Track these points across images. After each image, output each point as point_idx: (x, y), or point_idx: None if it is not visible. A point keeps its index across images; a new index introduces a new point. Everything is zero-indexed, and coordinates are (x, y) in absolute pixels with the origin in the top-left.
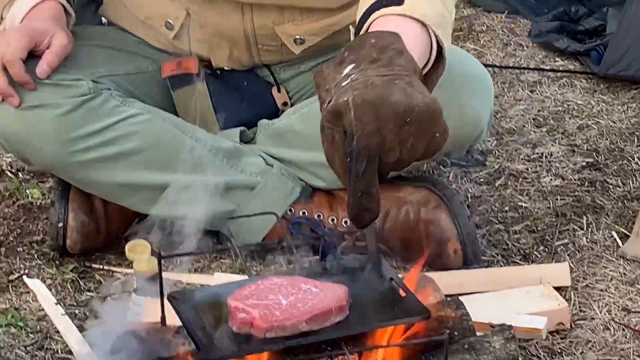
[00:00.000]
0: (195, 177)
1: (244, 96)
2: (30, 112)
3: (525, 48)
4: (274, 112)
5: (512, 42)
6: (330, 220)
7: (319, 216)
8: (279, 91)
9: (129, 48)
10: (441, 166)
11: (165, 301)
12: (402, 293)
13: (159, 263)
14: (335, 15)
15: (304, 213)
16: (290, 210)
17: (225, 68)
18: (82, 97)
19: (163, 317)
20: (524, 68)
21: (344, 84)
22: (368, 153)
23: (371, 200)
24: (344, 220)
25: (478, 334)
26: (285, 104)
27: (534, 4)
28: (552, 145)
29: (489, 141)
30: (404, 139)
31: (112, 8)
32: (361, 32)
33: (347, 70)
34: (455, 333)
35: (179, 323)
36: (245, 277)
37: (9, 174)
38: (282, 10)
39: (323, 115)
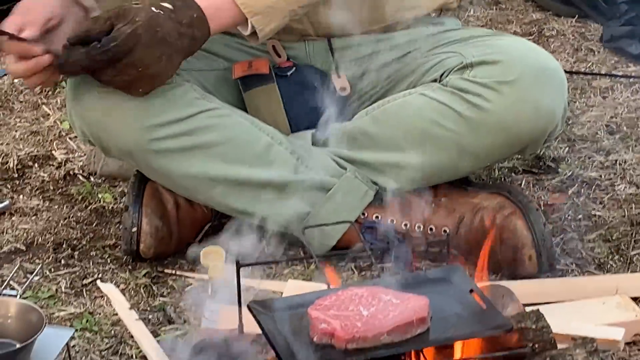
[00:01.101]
0: (271, 174)
1: (314, 97)
2: (113, 98)
3: (596, 53)
4: (346, 116)
5: (582, 47)
6: (403, 226)
7: (392, 221)
8: (338, 76)
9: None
10: (513, 173)
11: (243, 309)
12: (483, 304)
13: (237, 271)
14: None
15: (377, 217)
16: (364, 214)
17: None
18: (165, 84)
19: (241, 325)
20: (596, 74)
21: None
22: None
23: None
24: (417, 225)
25: (559, 346)
26: (343, 89)
27: (606, 8)
28: (625, 152)
29: (561, 148)
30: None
31: None
32: None
33: None
34: (536, 346)
35: (256, 331)
36: (321, 284)
37: (81, 177)
38: None
39: None
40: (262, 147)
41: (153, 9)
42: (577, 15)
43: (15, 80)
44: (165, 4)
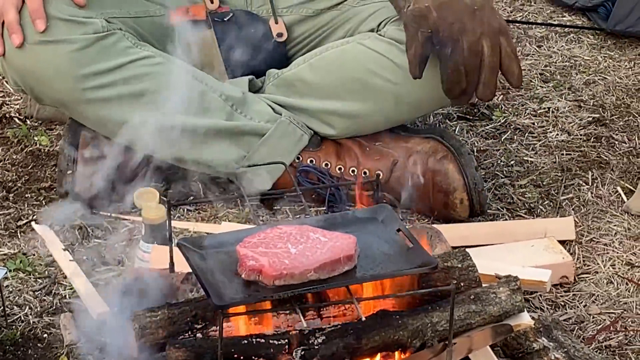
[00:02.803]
0: (205, 121)
1: (251, 44)
2: (45, 47)
3: (533, 3)
4: (283, 62)
5: None
6: (337, 169)
7: (326, 165)
8: (276, 22)
9: None
10: (447, 120)
11: (174, 249)
12: (410, 243)
13: (169, 211)
14: None
15: (311, 161)
16: (298, 158)
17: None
18: (96, 34)
19: (172, 264)
20: (532, 23)
21: None
22: (452, 38)
23: (460, 76)
24: (351, 169)
25: (484, 285)
26: (280, 34)
27: None
28: (558, 100)
29: (496, 95)
30: (478, 21)
31: None
32: None
33: None
34: (462, 284)
35: (187, 270)
36: (254, 226)
37: (17, 120)
38: None
39: (407, 17)
40: (196, 94)
41: None
42: None
43: None
44: None
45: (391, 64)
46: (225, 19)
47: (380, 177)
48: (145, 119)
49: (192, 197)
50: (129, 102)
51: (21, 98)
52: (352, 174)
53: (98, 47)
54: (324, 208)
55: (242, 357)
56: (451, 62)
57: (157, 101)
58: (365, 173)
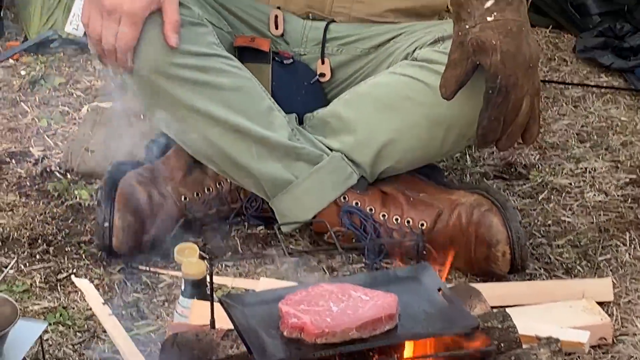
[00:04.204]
0: (269, 134)
1: (300, 90)
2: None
3: (569, 63)
4: (323, 103)
5: (556, 57)
6: (381, 216)
7: (370, 210)
8: (322, 62)
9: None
10: (485, 179)
11: (215, 304)
12: (451, 303)
13: (210, 267)
14: None
15: (356, 203)
16: (345, 197)
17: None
18: (191, 19)
19: (212, 320)
20: (568, 83)
21: (488, 19)
22: (507, 90)
23: (499, 127)
24: (394, 217)
25: (524, 346)
26: (323, 74)
27: (579, 19)
28: (595, 160)
29: (533, 155)
30: (529, 78)
31: None
32: None
33: (489, 4)
34: (502, 345)
35: (227, 327)
36: (293, 283)
37: (58, 174)
38: None
39: (466, 39)
40: (265, 107)
41: None
42: (550, 26)
43: None
44: None
45: (422, 85)
46: (285, 62)
47: (424, 228)
48: (213, 111)
49: (230, 252)
50: (205, 90)
51: (62, 152)
52: (395, 223)
53: (190, 31)
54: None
55: None
56: (497, 110)
57: (229, 99)
58: (408, 222)
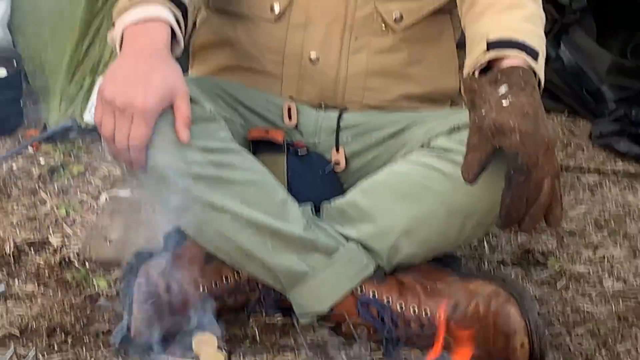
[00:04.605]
0: (284, 226)
1: (316, 179)
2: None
3: (585, 150)
4: (339, 192)
5: (572, 143)
6: (398, 306)
7: (387, 300)
8: (337, 151)
9: (226, 99)
10: (502, 265)
11: None
12: None
13: (229, 358)
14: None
15: (373, 294)
16: (361, 288)
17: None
18: (203, 115)
19: None
20: (585, 170)
21: (504, 103)
22: (528, 169)
23: (522, 206)
24: (412, 307)
25: None
26: (337, 163)
27: (594, 105)
28: (613, 248)
29: (550, 242)
30: (548, 159)
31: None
32: (490, 54)
33: (503, 90)
34: None
35: None
36: None
37: (76, 263)
38: None
39: (484, 123)
40: (279, 200)
41: None
42: (566, 112)
43: (14, 167)
44: None
45: (438, 174)
46: (299, 153)
47: (442, 318)
48: (228, 206)
49: (248, 342)
50: (219, 186)
51: (81, 241)
52: (412, 313)
53: (203, 127)
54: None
55: None
56: (519, 189)
57: (244, 193)
58: (426, 313)
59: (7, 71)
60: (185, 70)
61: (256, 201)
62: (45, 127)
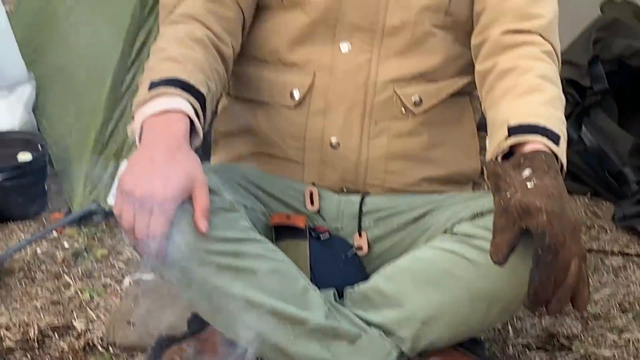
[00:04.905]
0: (307, 315)
1: (339, 264)
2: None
3: (608, 232)
4: (362, 277)
5: (595, 225)
6: None
7: None
8: (360, 235)
9: (247, 187)
10: (527, 349)
11: None
12: None
13: None
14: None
15: None
16: None
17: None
18: (222, 205)
19: None
20: (609, 252)
21: (528, 185)
22: (556, 248)
23: (550, 286)
24: None
25: None
26: (360, 247)
27: (617, 187)
28: (638, 331)
29: (575, 326)
30: (575, 240)
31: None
32: (511, 140)
33: (527, 173)
34: None
35: None
36: None
37: (100, 348)
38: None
39: (510, 204)
40: (300, 288)
41: None
42: (589, 194)
43: (38, 251)
44: None
45: (462, 259)
46: (322, 238)
47: None
48: (248, 296)
49: None
50: (239, 276)
51: (104, 325)
52: None
53: (223, 217)
54: None
55: None
56: (547, 269)
57: (265, 283)
58: None
59: (32, 155)
60: (205, 159)
61: (278, 290)
62: (69, 211)
